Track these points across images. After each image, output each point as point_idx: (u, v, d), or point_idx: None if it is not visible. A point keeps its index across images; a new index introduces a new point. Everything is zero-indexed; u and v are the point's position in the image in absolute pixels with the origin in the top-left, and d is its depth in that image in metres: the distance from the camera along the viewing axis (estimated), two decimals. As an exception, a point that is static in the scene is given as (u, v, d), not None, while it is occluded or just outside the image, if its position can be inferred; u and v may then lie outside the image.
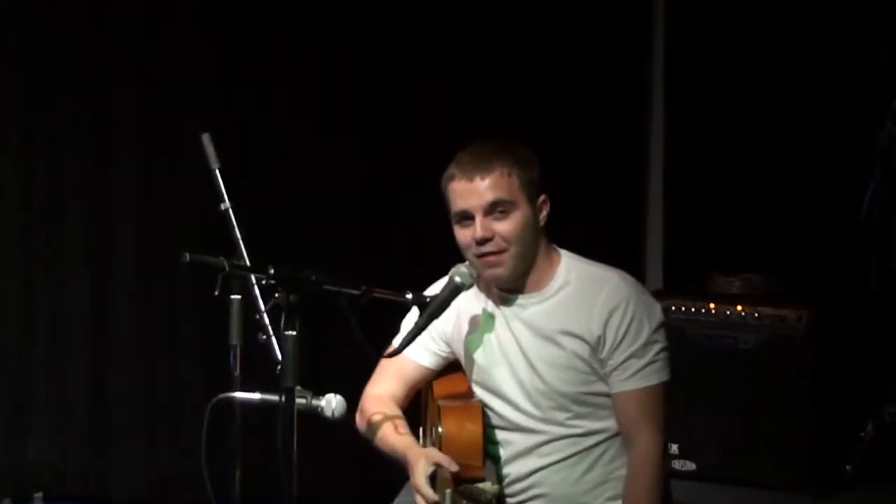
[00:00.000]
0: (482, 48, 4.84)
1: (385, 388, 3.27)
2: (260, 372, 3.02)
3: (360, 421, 3.26)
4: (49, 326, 5.03)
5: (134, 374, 5.00)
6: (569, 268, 3.14)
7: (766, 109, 4.80)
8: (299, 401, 2.81)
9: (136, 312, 4.99)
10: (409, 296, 3.00)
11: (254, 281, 3.10)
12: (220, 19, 4.90)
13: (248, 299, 3.10)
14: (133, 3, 4.97)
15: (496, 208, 3.04)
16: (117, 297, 5.01)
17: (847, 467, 4.41)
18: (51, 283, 5.03)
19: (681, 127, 4.97)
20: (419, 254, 4.17)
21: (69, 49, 4.96)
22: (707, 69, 4.86)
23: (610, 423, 3.11)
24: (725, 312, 4.50)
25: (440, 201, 3.12)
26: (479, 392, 3.21)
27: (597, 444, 3.12)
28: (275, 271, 2.81)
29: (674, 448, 4.38)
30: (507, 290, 3.15)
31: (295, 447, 2.77)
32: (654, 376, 3.06)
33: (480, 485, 2.87)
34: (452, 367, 3.29)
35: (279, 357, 2.93)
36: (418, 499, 3.02)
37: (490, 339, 3.17)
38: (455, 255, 3.12)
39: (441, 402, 3.18)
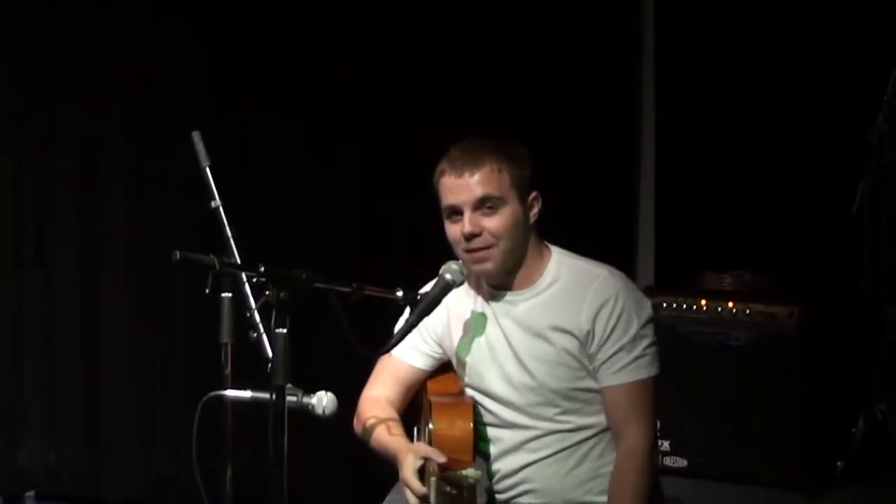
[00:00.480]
0: (481, 48, 4.83)
1: (380, 390, 3.29)
2: (251, 370, 3.02)
3: (356, 424, 3.28)
4: (41, 326, 5.03)
5: (125, 373, 5.00)
6: (559, 264, 3.14)
7: (757, 108, 4.79)
8: (290, 398, 2.80)
9: (127, 311, 4.99)
10: (400, 293, 2.99)
11: (244, 279, 3.09)
12: (219, 19, 4.89)
13: (239, 297, 3.10)
14: (129, 3, 4.96)
15: (485, 204, 3.04)
16: (109, 295, 5.00)
17: (838, 464, 4.40)
18: (42, 282, 5.02)
19: (672, 125, 4.96)
20: (419, 254, 4.16)
21: (61, 48, 4.96)
22: (697, 68, 4.85)
23: (599, 419, 3.12)
24: (717, 309, 4.48)
25: (437, 200, 3.13)
26: (470, 393, 3.22)
27: (586, 440, 3.12)
28: (265, 269, 2.80)
29: (665, 445, 4.38)
30: (497, 287, 3.15)
31: (286, 445, 2.77)
32: (643, 370, 3.07)
33: (463, 471, 2.87)
34: (447, 366, 3.30)
35: (270, 354, 2.93)
36: (407, 492, 3.03)
37: (480, 342, 3.18)
38: (454, 254, 3.12)
39: (433, 399, 3.20)
